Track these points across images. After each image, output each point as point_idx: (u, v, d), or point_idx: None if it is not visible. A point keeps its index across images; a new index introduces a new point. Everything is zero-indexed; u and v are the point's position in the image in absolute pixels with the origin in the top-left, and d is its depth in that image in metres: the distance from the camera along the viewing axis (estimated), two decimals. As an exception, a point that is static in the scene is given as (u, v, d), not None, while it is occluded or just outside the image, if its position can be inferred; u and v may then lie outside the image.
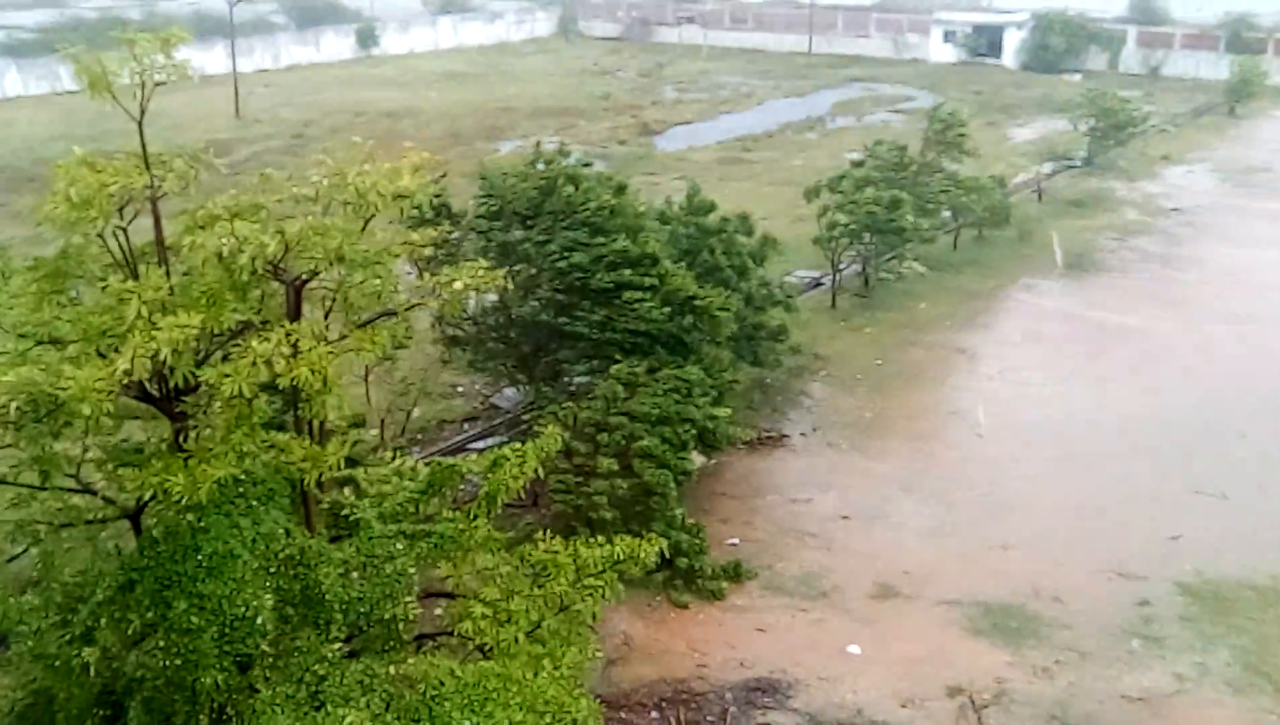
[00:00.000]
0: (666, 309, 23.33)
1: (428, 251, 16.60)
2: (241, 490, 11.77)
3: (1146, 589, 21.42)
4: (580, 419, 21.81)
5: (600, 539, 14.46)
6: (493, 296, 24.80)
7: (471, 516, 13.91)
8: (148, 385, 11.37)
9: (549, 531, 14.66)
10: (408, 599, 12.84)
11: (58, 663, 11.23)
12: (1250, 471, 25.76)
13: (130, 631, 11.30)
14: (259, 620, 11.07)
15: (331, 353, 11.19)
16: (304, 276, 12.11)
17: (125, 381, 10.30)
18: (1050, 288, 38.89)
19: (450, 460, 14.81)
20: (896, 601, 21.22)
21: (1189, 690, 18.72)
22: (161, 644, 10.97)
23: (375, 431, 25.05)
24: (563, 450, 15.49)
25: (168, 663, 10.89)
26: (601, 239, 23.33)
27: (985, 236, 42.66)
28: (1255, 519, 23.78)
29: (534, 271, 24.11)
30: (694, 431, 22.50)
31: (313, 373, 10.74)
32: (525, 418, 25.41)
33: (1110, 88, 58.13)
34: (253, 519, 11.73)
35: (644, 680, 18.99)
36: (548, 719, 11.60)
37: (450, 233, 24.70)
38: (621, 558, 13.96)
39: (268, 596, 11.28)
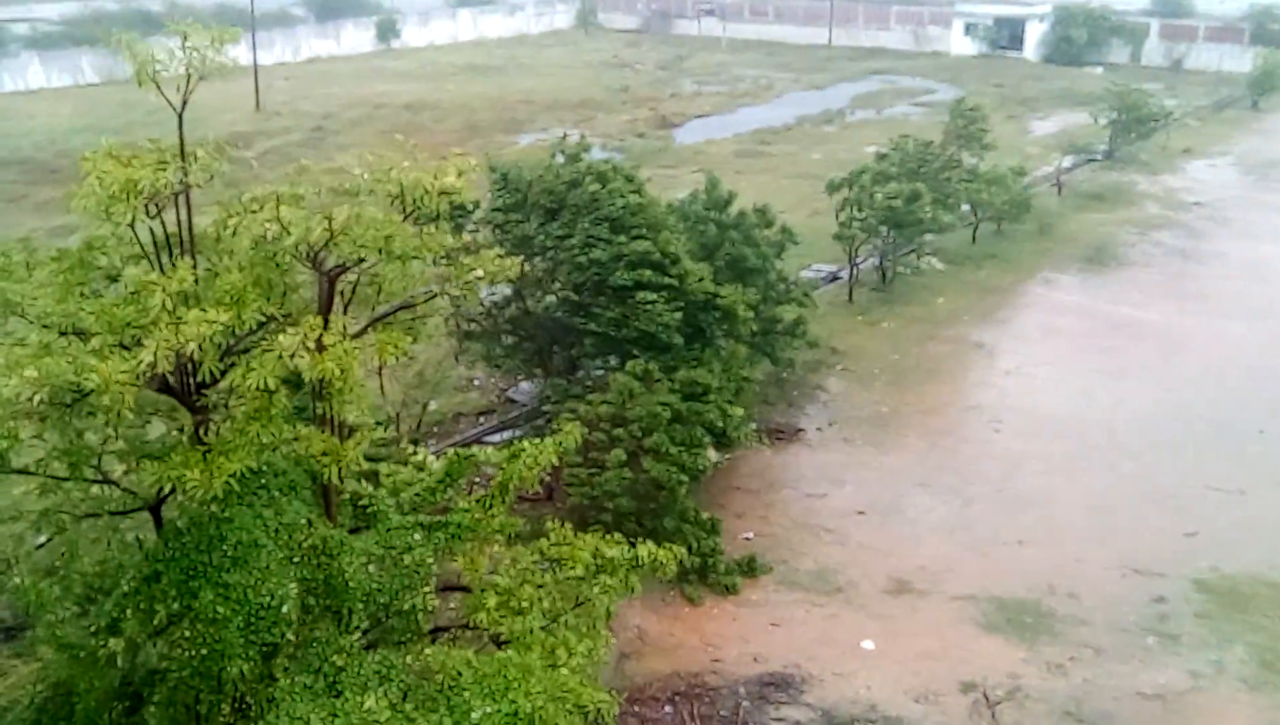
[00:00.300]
0: (679, 314, 23.30)
1: (459, 250, 16.71)
2: (264, 482, 11.89)
3: (1162, 585, 21.38)
4: (595, 414, 21.88)
5: (618, 537, 14.55)
6: (508, 290, 24.92)
7: (487, 504, 14.02)
8: (170, 378, 11.48)
9: (563, 523, 14.76)
10: (427, 590, 12.95)
11: (81, 654, 11.36)
12: (1268, 468, 25.66)
13: (156, 622, 11.43)
14: (284, 609, 11.19)
15: (357, 349, 11.29)
16: (345, 265, 12.22)
17: (149, 375, 10.41)
18: (1069, 282, 38.74)
19: (466, 452, 14.89)
20: (911, 597, 21.24)
21: (1204, 687, 18.69)
22: (187, 634, 11.08)
23: (391, 424, 25.16)
24: (579, 443, 15.53)
25: (194, 652, 11.00)
26: (622, 237, 23.36)
27: (1004, 230, 42.51)
28: (1273, 515, 23.70)
29: (552, 265, 24.18)
30: (707, 430, 22.53)
31: (338, 367, 10.84)
32: (541, 411, 25.51)
33: (1132, 81, 57.89)
34: (275, 510, 11.87)
35: (658, 674, 19.08)
36: (568, 707, 11.70)
37: (474, 231, 24.78)
38: (644, 562, 14.04)
39: (292, 585, 11.40)
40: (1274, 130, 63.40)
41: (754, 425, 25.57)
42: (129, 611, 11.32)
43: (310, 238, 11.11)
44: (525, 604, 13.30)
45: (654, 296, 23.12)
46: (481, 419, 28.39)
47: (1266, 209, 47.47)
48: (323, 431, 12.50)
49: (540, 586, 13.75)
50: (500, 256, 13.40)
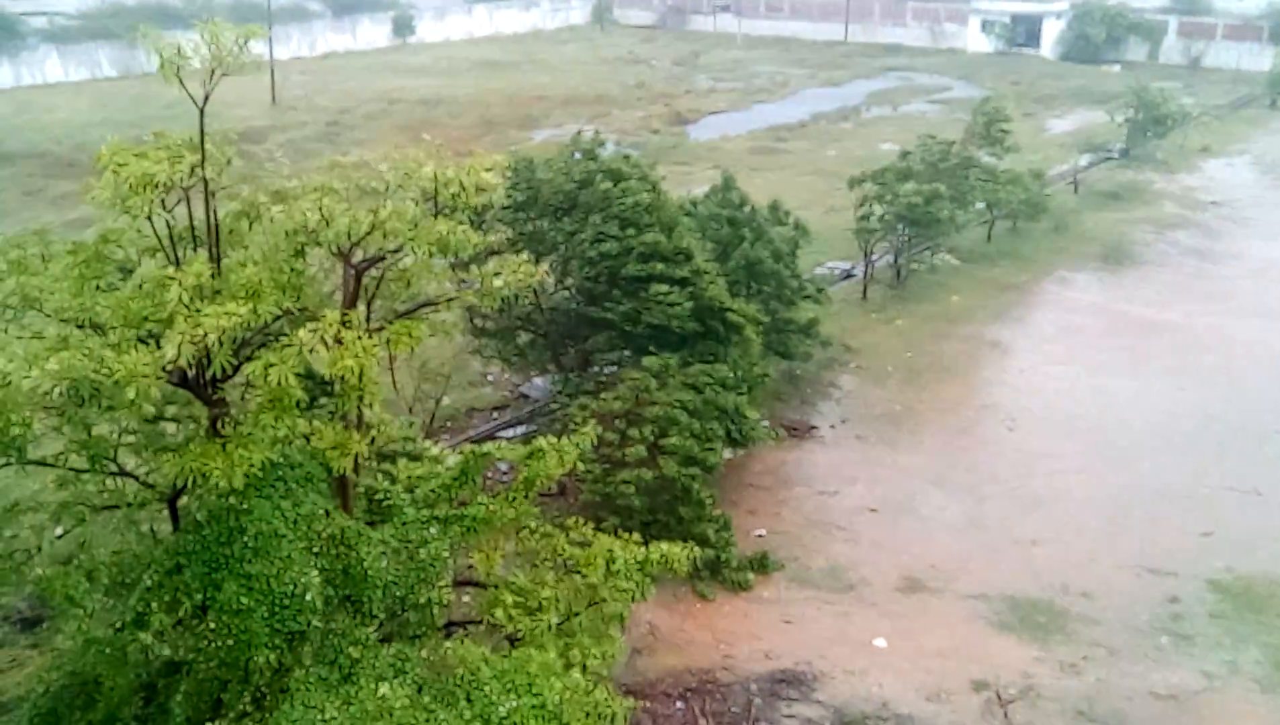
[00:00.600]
0: (691, 304, 23.28)
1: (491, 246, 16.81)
2: (281, 474, 11.97)
3: (1177, 585, 21.31)
4: (609, 410, 21.90)
5: (631, 535, 14.57)
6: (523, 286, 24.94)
7: (511, 500, 14.09)
8: (188, 371, 11.54)
9: (580, 519, 14.80)
10: (442, 584, 13.01)
11: (108, 649, 11.43)
12: (1285, 469, 25.52)
13: (180, 614, 11.51)
14: (309, 597, 11.28)
15: (375, 344, 11.34)
16: (378, 256, 12.27)
17: (170, 368, 10.47)
18: (1085, 281, 38.60)
19: (482, 448, 14.95)
20: (923, 595, 21.21)
21: (1218, 688, 18.62)
22: (213, 625, 11.18)
23: (404, 418, 25.22)
24: (594, 442, 15.58)
25: (220, 643, 11.10)
26: (632, 230, 23.35)
27: (1020, 228, 42.37)
28: (1289, 517, 23.58)
29: (563, 262, 24.20)
30: (722, 427, 22.53)
31: (358, 363, 10.89)
32: (554, 407, 25.54)
33: (1150, 79, 57.55)
34: (293, 501, 11.94)
35: (669, 670, 19.09)
36: (584, 710, 11.75)
37: (491, 229, 24.81)
38: (655, 562, 14.07)
39: (314, 573, 11.48)
40: (1292, 129, 63.04)
41: (766, 423, 25.59)
42: (154, 604, 11.40)
43: (353, 230, 11.19)
44: (543, 602, 13.35)
45: (666, 288, 23.10)
46: (495, 414, 28.44)
47: (1284, 208, 47.23)
48: (338, 425, 12.57)
49: (555, 585, 13.80)
50: (524, 262, 13.47)
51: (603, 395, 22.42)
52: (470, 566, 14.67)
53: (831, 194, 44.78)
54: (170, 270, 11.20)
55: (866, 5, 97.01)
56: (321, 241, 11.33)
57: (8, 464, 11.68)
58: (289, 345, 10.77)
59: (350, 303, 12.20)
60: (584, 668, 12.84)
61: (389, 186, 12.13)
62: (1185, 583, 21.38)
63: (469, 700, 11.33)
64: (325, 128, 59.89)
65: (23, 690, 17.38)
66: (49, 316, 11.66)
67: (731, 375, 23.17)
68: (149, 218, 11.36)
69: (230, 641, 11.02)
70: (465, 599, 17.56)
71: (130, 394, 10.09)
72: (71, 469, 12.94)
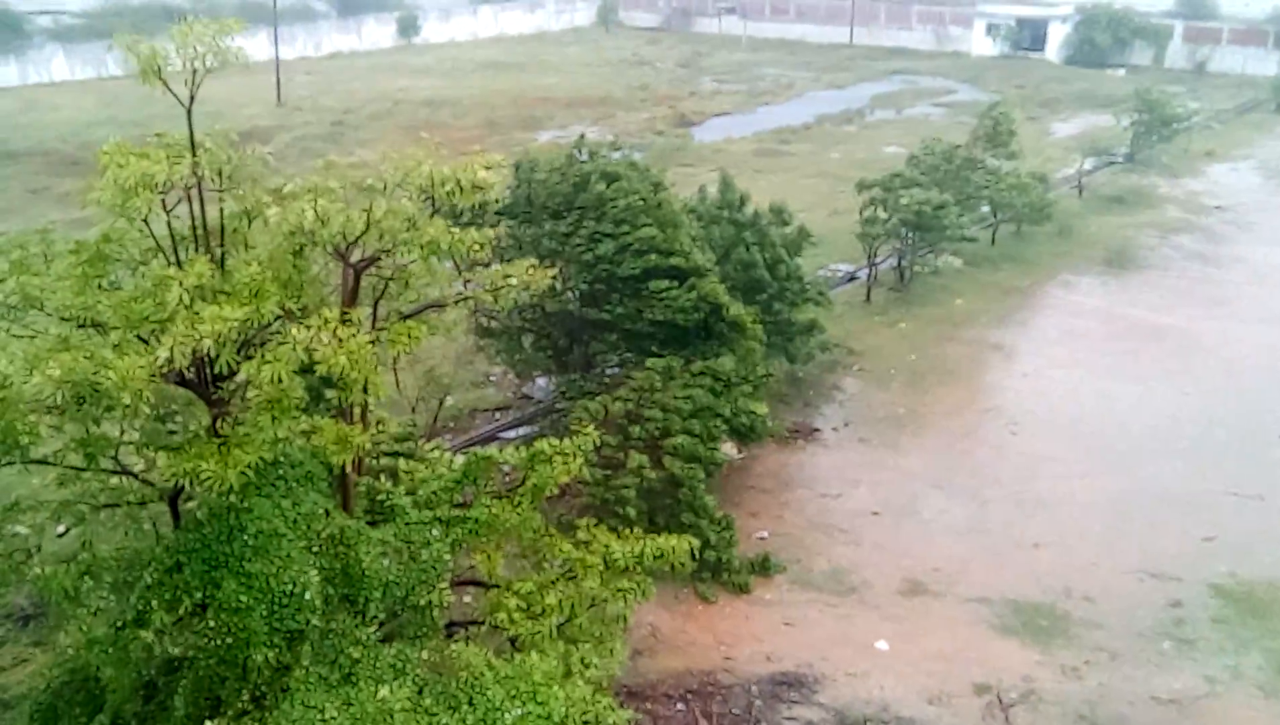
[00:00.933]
0: (693, 294, 23.23)
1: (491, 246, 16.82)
2: (281, 473, 11.98)
3: (1179, 590, 21.28)
4: (611, 411, 21.90)
5: (630, 533, 14.56)
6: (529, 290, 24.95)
7: (516, 505, 14.09)
8: (187, 372, 11.55)
9: (589, 521, 14.80)
10: (442, 586, 13.00)
11: (110, 648, 11.44)
12: (1288, 474, 25.49)
13: (180, 612, 11.52)
14: (308, 596, 11.29)
15: (372, 343, 11.34)
16: (374, 257, 12.28)
17: (166, 370, 10.47)
18: (1089, 285, 38.56)
19: (485, 451, 14.95)
20: (925, 598, 21.19)
21: (1220, 693, 18.59)
22: (212, 623, 11.20)
23: (408, 418, 25.23)
24: (595, 444, 15.58)
25: (219, 641, 11.13)
26: (626, 228, 23.31)
27: (1024, 232, 42.36)
28: (1292, 522, 23.55)
29: (564, 265, 24.19)
30: (725, 425, 22.52)
31: (350, 362, 10.88)
32: (557, 408, 25.55)
33: (1155, 83, 57.53)
34: (293, 500, 11.95)
35: (670, 672, 19.08)
36: (589, 717, 11.76)
37: (500, 230, 24.80)
38: (651, 557, 14.05)
39: (313, 572, 11.49)
40: (1298, 134, 62.98)
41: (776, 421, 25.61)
42: (154, 603, 11.42)
43: (348, 229, 11.19)
44: (546, 607, 13.36)
45: (666, 283, 23.07)
46: (497, 415, 28.44)
47: (1289, 213, 47.17)
48: (340, 422, 12.57)
49: (556, 589, 13.79)
50: (534, 266, 13.49)
51: (604, 396, 22.42)
52: (472, 567, 14.67)
53: (835, 196, 44.81)
54: (172, 270, 11.20)
55: (872, 8, 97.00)
56: (317, 241, 11.32)
57: (10, 463, 11.68)
58: (283, 343, 10.77)
59: (349, 302, 12.20)
60: (584, 675, 12.83)
61: (386, 186, 12.14)
62: (1187, 587, 21.35)
63: (471, 704, 11.33)
64: (330, 128, 59.93)
65: (25, 687, 17.40)
66: (50, 316, 11.67)
67: (735, 373, 23.14)
68: (146, 219, 11.37)
69: (229, 639, 11.04)
70: (466, 599, 17.57)
71: (125, 398, 10.08)
72: (72, 467, 12.95)
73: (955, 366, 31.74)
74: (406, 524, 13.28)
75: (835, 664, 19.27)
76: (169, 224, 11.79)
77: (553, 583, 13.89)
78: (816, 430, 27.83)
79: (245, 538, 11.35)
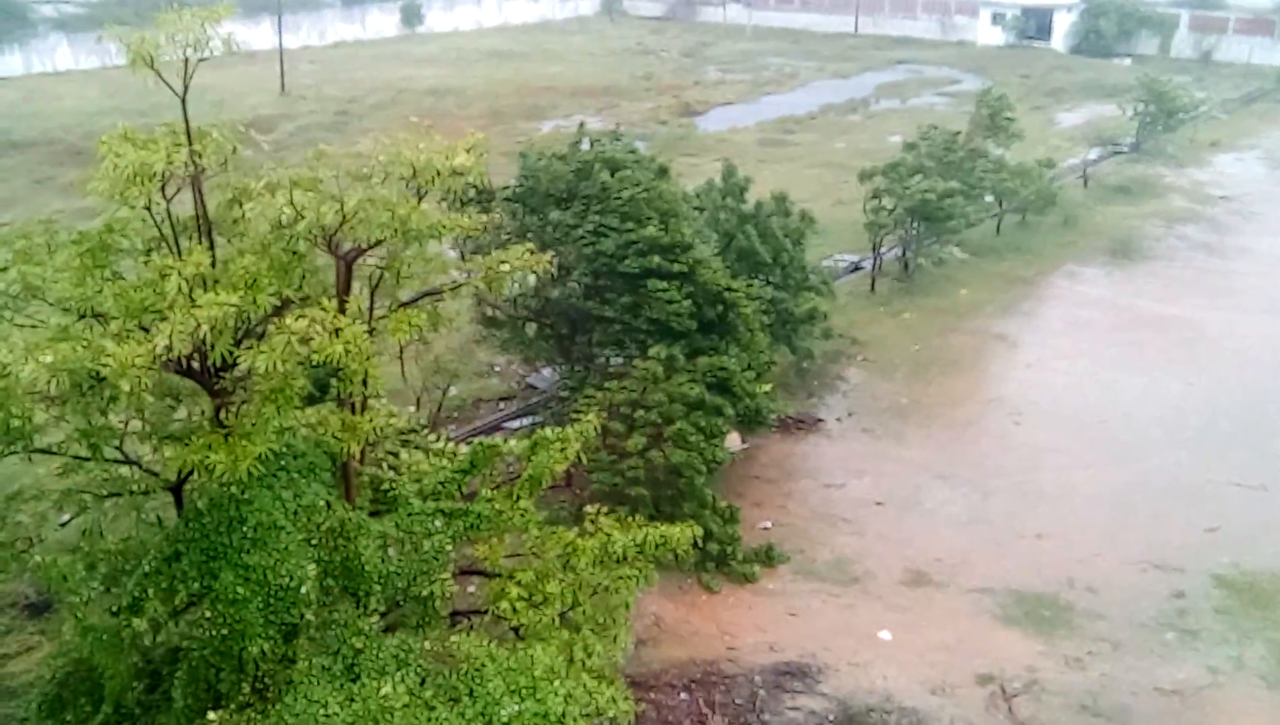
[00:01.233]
0: (688, 302, 23.21)
1: (478, 232, 16.76)
2: (283, 464, 11.98)
3: (1182, 581, 21.27)
4: (616, 400, 21.90)
5: (634, 521, 14.56)
6: (530, 278, 24.92)
7: (515, 498, 14.08)
8: (186, 362, 11.55)
9: (599, 510, 14.79)
10: (444, 576, 13.01)
11: (105, 635, 11.47)
12: (1292, 465, 25.45)
13: (177, 602, 11.53)
14: (303, 590, 11.29)
15: (369, 332, 11.33)
16: (361, 247, 12.26)
17: (165, 358, 10.47)
18: (1093, 275, 38.47)
19: (490, 441, 14.96)
20: (928, 588, 21.20)
21: (1223, 684, 18.60)
22: (208, 614, 11.21)
23: (412, 409, 25.27)
24: (598, 430, 15.57)
25: (215, 632, 11.14)
26: (631, 225, 23.29)
27: (1029, 222, 42.25)
28: (1296, 513, 23.52)
29: (567, 255, 24.17)
30: (729, 415, 22.51)
31: (348, 351, 10.87)
32: (561, 397, 25.56)
33: (1161, 73, 57.25)
34: (294, 492, 11.95)
35: (674, 662, 19.12)
36: (590, 710, 11.77)
37: (499, 221, 24.78)
38: (654, 545, 14.04)
39: (311, 566, 11.50)
40: (1304, 124, 62.73)
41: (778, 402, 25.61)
42: (150, 591, 11.44)
43: (323, 222, 11.15)
44: (548, 596, 13.36)
45: (664, 284, 23.06)
46: (501, 405, 28.47)
47: (1295, 203, 47.03)
48: (344, 412, 12.58)
49: (558, 578, 13.80)
50: (530, 251, 13.46)
51: (608, 385, 22.42)
52: (480, 558, 14.68)
53: (840, 186, 44.72)
54: (170, 260, 11.20)
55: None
56: (293, 236, 11.27)
57: (12, 452, 11.70)
58: (279, 332, 10.77)
59: (342, 292, 12.19)
60: (587, 664, 12.83)
61: (372, 173, 12.09)
62: (1191, 578, 21.34)
63: (471, 696, 11.33)
64: (334, 117, 59.87)
65: (31, 676, 17.48)
66: (52, 306, 11.67)
67: (738, 362, 23.13)
68: (148, 207, 11.35)
69: (225, 630, 11.05)
70: (471, 590, 17.60)
71: (125, 387, 10.08)
72: (75, 457, 12.97)
73: (959, 357, 31.71)
74: (409, 514, 13.28)
75: (838, 654, 19.29)
76: (169, 212, 11.78)
77: (556, 571, 13.89)
78: (820, 420, 27.82)
79: (244, 529, 11.36)
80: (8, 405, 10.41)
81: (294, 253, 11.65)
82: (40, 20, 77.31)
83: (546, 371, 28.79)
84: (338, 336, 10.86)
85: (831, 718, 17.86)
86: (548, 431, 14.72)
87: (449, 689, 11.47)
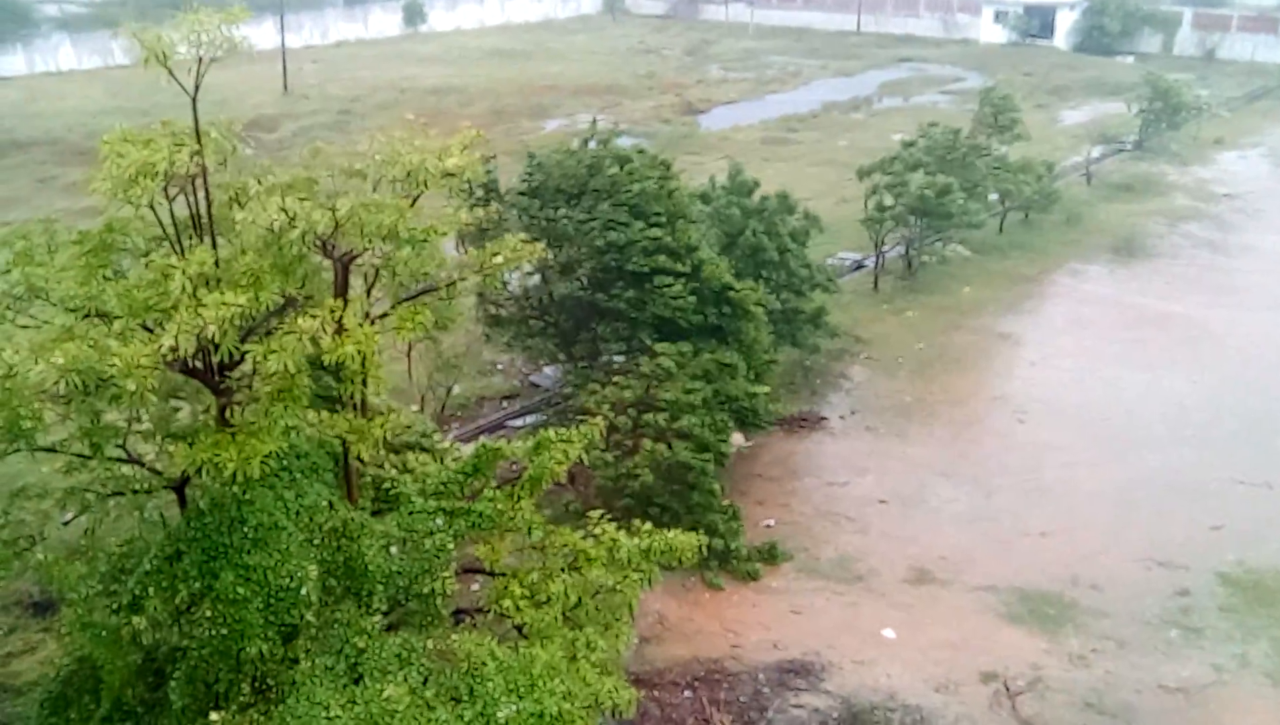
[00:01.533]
0: (693, 298, 23.22)
1: (472, 228, 16.74)
2: (286, 463, 11.97)
3: (1187, 578, 21.25)
4: (621, 398, 21.90)
5: (639, 524, 14.54)
6: (535, 276, 24.98)
7: (515, 498, 14.06)
8: (190, 361, 11.54)
9: (599, 513, 14.76)
10: (446, 574, 13.00)
11: (104, 632, 11.47)
12: (1296, 462, 25.42)
13: (178, 601, 11.52)
14: (304, 591, 11.27)
15: (376, 331, 11.31)
16: (353, 252, 12.24)
17: (170, 357, 10.46)
18: (1097, 273, 38.43)
19: (493, 443, 14.94)
20: (932, 586, 21.19)
21: (1227, 681, 18.58)
22: (208, 614, 11.19)
23: (415, 407, 25.28)
24: (603, 430, 15.56)
25: (214, 632, 11.12)
26: (640, 223, 23.31)
27: (1032, 220, 42.21)
28: (1300, 510, 23.49)
29: (575, 249, 24.19)
30: (733, 413, 22.51)
31: (358, 351, 10.86)
32: (565, 395, 25.56)
33: (1164, 70, 57.16)
34: (296, 492, 11.93)
35: (677, 659, 19.11)
36: (590, 707, 11.76)
37: (499, 213, 24.80)
38: (658, 552, 14.03)
39: (312, 567, 11.48)
40: (1308, 121, 62.62)
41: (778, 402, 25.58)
42: (151, 590, 11.43)
43: (315, 228, 11.13)
44: (551, 595, 13.35)
45: (670, 279, 23.07)
46: (505, 403, 28.48)
47: (1299, 201, 46.94)
48: (352, 413, 12.56)
49: (561, 578, 13.79)
50: (523, 241, 13.42)
51: (616, 380, 22.41)
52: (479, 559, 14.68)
53: (843, 184, 44.66)
54: (174, 259, 11.19)
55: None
56: (285, 241, 11.24)
57: (16, 450, 11.70)
58: (289, 332, 10.75)
59: (340, 293, 12.16)
60: (590, 659, 12.82)
61: (368, 172, 12.08)
62: (1195, 576, 21.32)
63: (471, 695, 11.33)
64: (336, 116, 59.87)
65: (35, 674, 17.51)
66: (55, 306, 11.66)
67: (740, 362, 23.13)
68: (151, 206, 11.33)
69: (224, 630, 11.04)
70: (475, 588, 17.59)
71: (130, 386, 10.08)
72: (78, 455, 12.97)
73: (963, 355, 31.69)
74: (410, 513, 13.27)
75: (842, 652, 19.28)
76: (171, 212, 11.77)
77: (559, 571, 13.88)
78: (824, 418, 27.81)
79: (246, 530, 11.34)
80: (16, 406, 10.41)
81: (293, 253, 11.63)
82: (43, 20, 77.41)
83: (549, 369, 28.79)
84: (343, 336, 10.84)
85: (835, 715, 17.86)
86: (551, 432, 14.71)
87: (450, 689, 11.47)
